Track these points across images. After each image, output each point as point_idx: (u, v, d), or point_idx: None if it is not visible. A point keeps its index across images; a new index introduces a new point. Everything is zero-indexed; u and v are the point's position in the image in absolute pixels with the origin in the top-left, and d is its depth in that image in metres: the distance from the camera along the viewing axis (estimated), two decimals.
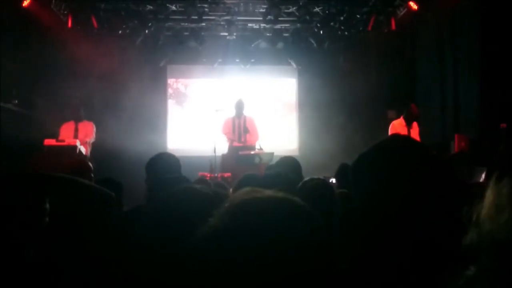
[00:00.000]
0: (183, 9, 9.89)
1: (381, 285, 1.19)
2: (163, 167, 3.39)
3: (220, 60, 11.09)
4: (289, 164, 3.55)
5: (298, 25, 10.50)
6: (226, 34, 10.70)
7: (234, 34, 10.61)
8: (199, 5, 9.83)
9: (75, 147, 7.64)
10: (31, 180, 1.67)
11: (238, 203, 0.88)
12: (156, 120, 10.68)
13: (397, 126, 7.99)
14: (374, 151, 1.36)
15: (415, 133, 7.90)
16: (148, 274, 1.32)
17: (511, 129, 6.71)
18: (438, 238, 1.22)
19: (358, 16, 10.32)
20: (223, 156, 8.30)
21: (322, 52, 10.85)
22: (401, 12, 10.00)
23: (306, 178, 2.85)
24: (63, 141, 7.80)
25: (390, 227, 1.26)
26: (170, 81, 11.38)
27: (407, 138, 1.47)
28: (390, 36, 10.40)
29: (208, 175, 7.42)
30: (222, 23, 10.41)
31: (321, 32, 10.53)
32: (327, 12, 10.11)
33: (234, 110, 8.74)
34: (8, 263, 1.49)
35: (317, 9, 10.17)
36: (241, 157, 7.85)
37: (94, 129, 8.46)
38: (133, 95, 9.67)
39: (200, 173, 7.44)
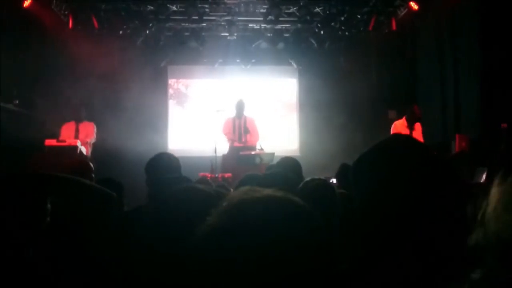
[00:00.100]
0: (183, 9, 9.89)
1: (381, 285, 1.19)
2: (163, 167, 3.39)
3: (220, 60, 11.09)
4: (290, 165, 3.55)
5: (299, 25, 10.50)
6: (227, 34, 10.70)
7: (235, 34, 10.61)
8: (199, 5, 9.83)
9: (75, 147, 7.64)
10: (32, 180, 1.67)
11: (236, 202, 0.87)
12: (156, 121, 10.68)
13: (399, 126, 7.99)
14: (375, 151, 1.36)
15: (417, 134, 7.89)
16: (149, 274, 1.32)
17: None
18: (439, 238, 1.22)
19: (358, 16, 10.32)
20: (224, 156, 8.31)
21: (323, 52, 10.86)
22: (402, 12, 10.00)
23: (307, 179, 2.84)
24: (64, 141, 7.81)
25: (391, 227, 1.25)
26: (171, 81, 11.38)
27: (408, 138, 1.47)
28: (391, 36, 10.40)
29: (209, 176, 7.41)
30: (222, 23, 10.41)
31: (322, 32, 10.53)
32: (327, 12, 10.11)
33: (234, 110, 8.74)
34: (9, 263, 1.50)
35: (317, 9, 10.17)
36: (241, 157, 7.85)
37: (95, 129, 8.46)
38: (133, 96, 9.67)
39: (201, 174, 7.43)
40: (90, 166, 4.43)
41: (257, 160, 7.65)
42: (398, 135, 1.46)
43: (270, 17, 10.14)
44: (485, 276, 0.86)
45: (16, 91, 8.70)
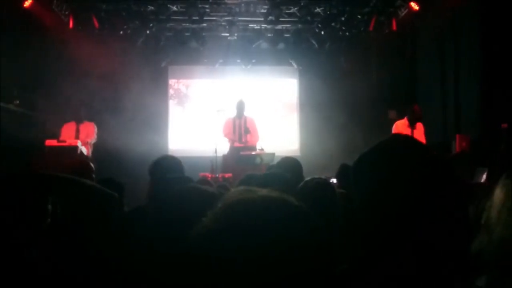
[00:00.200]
0: (184, 9, 9.90)
1: (381, 285, 1.20)
2: (166, 168, 3.41)
3: (221, 60, 11.10)
4: (290, 165, 3.55)
5: (299, 25, 10.50)
6: (227, 34, 10.70)
7: (235, 34, 10.62)
8: (200, 5, 9.84)
9: (76, 147, 7.64)
10: (33, 180, 1.67)
11: (231, 203, 0.87)
12: (157, 121, 10.69)
13: (400, 126, 7.99)
14: (375, 151, 1.36)
15: (419, 134, 7.89)
16: (150, 274, 1.32)
17: None
18: (439, 238, 1.22)
19: (359, 16, 10.32)
20: (224, 156, 8.31)
21: (323, 53, 10.86)
22: (402, 12, 9.99)
23: (307, 178, 2.84)
24: (64, 141, 7.81)
25: (391, 227, 1.26)
26: (171, 81, 11.39)
27: (408, 138, 1.47)
28: (391, 36, 10.40)
29: (209, 176, 7.42)
30: (223, 23, 10.42)
31: (322, 32, 10.53)
32: (328, 12, 10.11)
33: (235, 110, 8.75)
34: (9, 263, 1.50)
35: (318, 10, 10.17)
36: (242, 157, 7.85)
37: (95, 129, 8.46)
38: (134, 96, 9.67)
39: (201, 174, 7.44)
40: (90, 166, 4.43)
41: (258, 160, 7.65)
42: (398, 135, 1.46)
43: (270, 17, 10.14)
44: (490, 284, 0.84)
45: (17, 91, 8.70)
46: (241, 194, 0.90)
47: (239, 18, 10.30)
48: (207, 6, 9.96)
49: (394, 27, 10.15)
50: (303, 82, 11.28)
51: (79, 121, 8.38)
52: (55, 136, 8.09)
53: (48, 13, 9.38)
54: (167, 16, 10.08)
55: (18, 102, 8.68)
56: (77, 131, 8.30)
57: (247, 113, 8.82)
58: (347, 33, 10.57)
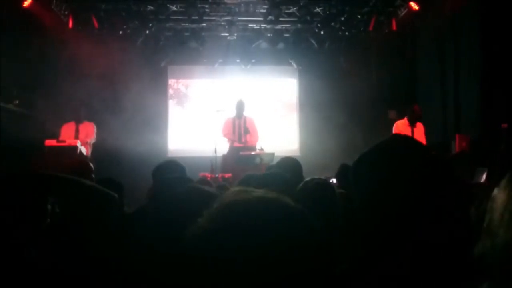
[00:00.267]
0: (183, 9, 9.90)
1: (381, 285, 1.19)
2: (168, 171, 3.43)
3: (220, 60, 11.09)
4: (290, 165, 3.55)
5: (299, 25, 10.50)
6: (227, 34, 10.70)
7: (235, 34, 10.62)
8: (199, 5, 9.84)
9: (75, 147, 7.64)
10: (32, 180, 1.67)
11: (227, 203, 0.87)
12: (156, 121, 10.68)
13: (400, 126, 8.00)
14: (375, 151, 1.36)
15: (419, 133, 7.90)
16: (150, 274, 1.32)
17: None
18: (439, 239, 1.22)
19: (358, 16, 10.32)
20: (224, 156, 8.31)
21: (323, 53, 10.86)
22: (402, 12, 10.00)
23: (307, 179, 2.84)
24: (64, 141, 7.80)
25: (391, 227, 1.25)
26: (171, 81, 11.38)
27: (408, 138, 1.47)
28: (391, 36, 10.40)
29: (209, 176, 7.42)
30: (222, 23, 10.41)
31: (322, 32, 10.53)
32: (327, 12, 10.11)
33: (234, 110, 8.75)
34: (10, 263, 1.50)
35: (317, 10, 10.17)
36: (242, 157, 7.85)
37: (95, 129, 8.46)
38: (133, 96, 9.67)
39: (201, 174, 7.44)
40: (90, 166, 4.43)
41: (257, 160, 7.65)
42: (398, 135, 1.46)
43: (270, 17, 10.14)
44: None
45: (16, 91, 8.70)
46: (236, 194, 0.90)
47: (239, 18, 10.31)
48: (206, 6, 9.96)
49: (394, 27, 10.16)
50: (303, 82, 11.28)
51: (78, 121, 8.38)
52: (55, 136, 8.08)
53: (48, 13, 9.38)
54: (166, 16, 10.08)
55: (17, 102, 8.68)
56: (77, 131, 8.30)
57: (246, 113, 8.82)
58: (346, 33, 10.58)
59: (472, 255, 0.89)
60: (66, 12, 9.76)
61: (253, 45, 10.91)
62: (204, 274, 0.80)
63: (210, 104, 10.33)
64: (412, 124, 7.95)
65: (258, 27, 10.67)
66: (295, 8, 10.08)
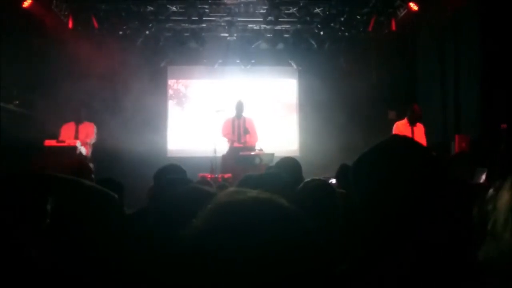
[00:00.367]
0: (183, 10, 9.90)
1: (381, 285, 1.19)
2: (169, 172, 3.44)
3: (220, 61, 11.09)
4: (289, 165, 3.55)
5: (299, 26, 10.50)
6: (227, 35, 10.70)
7: (235, 35, 10.62)
8: (199, 6, 9.84)
9: (75, 147, 7.64)
10: (32, 180, 1.67)
11: (220, 204, 0.87)
12: (156, 121, 10.68)
13: (401, 127, 8.00)
14: (374, 151, 1.36)
15: (420, 133, 7.90)
16: (150, 274, 1.32)
17: None
18: (439, 239, 1.22)
19: (358, 17, 10.32)
20: (224, 156, 8.31)
21: (323, 53, 10.86)
22: (402, 13, 10.00)
23: (307, 179, 2.84)
24: (64, 141, 7.80)
25: (390, 227, 1.26)
26: (171, 82, 11.38)
27: (407, 139, 1.47)
28: (391, 36, 10.40)
29: (209, 176, 7.42)
30: (222, 24, 10.41)
31: (322, 33, 10.53)
32: (327, 13, 10.12)
33: (234, 111, 8.75)
34: (9, 263, 1.50)
35: (317, 10, 10.17)
36: (241, 158, 7.85)
37: (95, 129, 8.46)
38: (133, 96, 9.67)
39: (201, 174, 7.44)
40: (89, 166, 4.43)
41: (257, 160, 7.65)
42: (397, 136, 1.46)
43: (270, 17, 10.14)
44: None
45: (16, 91, 8.70)
46: (230, 195, 0.90)
47: (239, 19, 10.31)
48: (206, 6, 9.96)
49: (394, 27, 10.16)
50: (303, 83, 11.27)
51: (78, 121, 8.38)
52: (55, 136, 8.08)
53: (48, 13, 9.37)
54: (166, 16, 10.08)
55: (17, 102, 8.68)
56: (77, 131, 8.30)
57: (246, 113, 8.83)
58: (346, 34, 10.58)
59: (473, 255, 0.89)
60: (66, 13, 9.75)
61: (253, 46, 10.91)
62: (198, 274, 0.80)
63: (210, 104, 10.32)
64: (412, 124, 7.95)
65: (258, 28, 10.67)
66: (294, 9, 10.08)
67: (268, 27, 10.53)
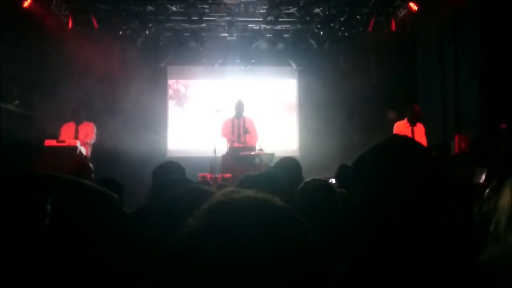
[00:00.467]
0: (183, 10, 9.90)
1: (381, 285, 1.19)
2: (169, 171, 3.44)
3: (220, 61, 11.09)
4: (289, 165, 3.55)
5: (299, 26, 10.50)
6: (227, 35, 10.70)
7: (235, 35, 10.62)
8: (199, 6, 9.84)
9: (75, 147, 7.64)
10: (32, 180, 1.67)
11: (214, 204, 0.87)
12: (156, 121, 10.68)
13: (401, 127, 8.00)
14: (374, 151, 1.36)
15: (420, 134, 7.89)
16: (150, 274, 1.32)
17: None
18: (439, 238, 1.22)
19: (358, 17, 10.33)
20: (223, 157, 8.30)
21: (322, 53, 10.86)
22: (401, 13, 10.00)
23: (307, 179, 2.85)
24: (64, 141, 7.80)
25: (390, 227, 1.26)
26: (171, 82, 11.38)
27: (407, 139, 1.47)
28: (390, 36, 10.40)
29: (209, 176, 7.42)
30: (222, 24, 10.42)
31: (321, 33, 10.53)
32: (327, 13, 10.12)
33: (234, 111, 8.74)
34: (9, 264, 1.49)
35: (317, 10, 10.17)
36: (241, 157, 7.85)
37: (95, 130, 8.46)
38: (133, 96, 9.67)
39: (200, 174, 7.44)
40: (89, 166, 4.43)
41: (257, 160, 7.65)
42: (397, 136, 1.46)
43: (269, 17, 10.14)
44: None
45: (16, 91, 8.70)
46: (225, 194, 0.90)
47: (238, 19, 10.31)
48: (206, 6, 9.97)
49: (393, 27, 10.17)
50: (302, 83, 11.27)
51: (78, 121, 8.38)
52: (54, 136, 8.08)
53: (48, 13, 9.38)
54: (166, 16, 10.08)
55: (17, 102, 8.68)
56: (76, 131, 8.30)
57: (246, 113, 8.82)
58: (346, 34, 10.58)
59: (473, 255, 0.89)
60: (66, 13, 9.76)
61: (253, 46, 10.91)
62: (192, 274, 0.80)
63: (210, 104, 10.32)
64: (412, 124, 7.95)
65: (258, 28, 10.67)
66: (294, 9, 10.08)
67: (268, 27, 10.53)
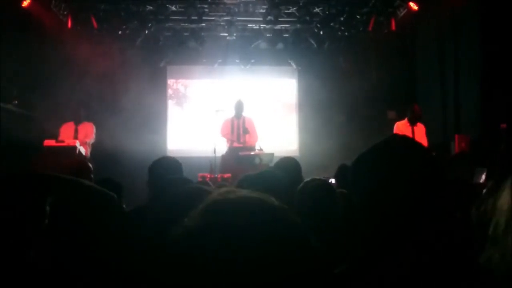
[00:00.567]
0: (183, 9, 9.90)
1: (381, 285, 1.19)
2: (166, 169, 3.43)
3: (220, 60, 11.09)
4: (289, 165, 3.55)
5: (298, 25, 10.50)
6: (226, 34, 10.70)
7: (234, 34, 10.62)
8: (199, 5, 9.84)
9: (74, 147, 7.64)
10: (32, 180, 1.67)
11: (210, 203, 0.87)
12: (156, 121, 10.68)
13: (401, 126, 8.00)
14: (374, 151, 1.36)
15: (420, 134, 7.89)
16: (150, 274, 1.31)
17: None
18: (438, 238, 1.21)
19: (358, 16, 10.33)
20: (223, 156, 8.30)
21: (322, 53, 10.86)
22: (401, 12, 10.00)
23: (307, 179, 2.84)
24: (63, 141, 7.80)
25: (390, 227, 1.25)
26: (170, 81, 11.38)
27: (406, 138, 1.47)
28: (390, 36, 10.40)
29: (208, 176, 7.41)
30: (222, 23, 10.41)
31: (321, 32, 10.53)
32: (327, 12, 10.12)
33: (233, 110, 8.74)
34: (8, 264, 1.49)
35: (317, 10, 10.17)
36: (241, 157, 7.84)
37: (94, 129, 8.45)
38: (133, 96, 9.66)
39: (200, 174, 7.44)
40: (89, 166, 4.43)
41: (257, 160, 7.64)
42: (396, 135, 1.46)
43: (269, 17, 10.14)
44: None
45: (16, 92, 8.70)
46: (221, 194, 0.90)
47: (238, 18, 10.31)
48: (206, 6, 9.97)
49: (393, 27, 10.17)
50: (302, 82, 11.27)
51: (77, 121, 8.38)
52: (54, 136, 8.08)
53: (47, 13, 9.38)
54: (166, 16, 10.08)
55: (17, 102, 8.68)
56: (76, 131, 8.29)
57: (245, 113, 8.82)
58: (346, 33, 10.58)
59: (473, 255, 0.89)
60: (65, 12, 9.76)
61: (253, 45, 10.91)
62: (186, 273, 0.80)
63: (209, 104, 10.32)
64: (412, 124, 7.95)
65: (258, 27, 10.68)
66: (294, 8, 10.08)
67: (267, 26, 10.53)
